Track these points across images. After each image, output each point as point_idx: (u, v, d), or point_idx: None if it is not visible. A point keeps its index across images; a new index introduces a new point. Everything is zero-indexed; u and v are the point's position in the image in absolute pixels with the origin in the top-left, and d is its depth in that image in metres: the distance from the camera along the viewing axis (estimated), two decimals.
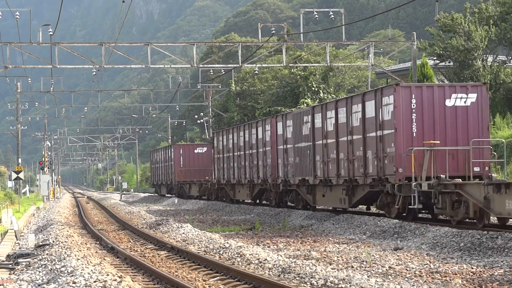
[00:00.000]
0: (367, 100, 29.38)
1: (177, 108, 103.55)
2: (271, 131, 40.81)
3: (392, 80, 57.51)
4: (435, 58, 51.17)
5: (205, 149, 67.16)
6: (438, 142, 27.36)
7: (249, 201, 48.12)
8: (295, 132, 36.87)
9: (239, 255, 20.07)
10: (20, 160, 69.42)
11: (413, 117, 27.40)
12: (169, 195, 74.35)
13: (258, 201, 47.02)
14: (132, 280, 16.01)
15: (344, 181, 31.38)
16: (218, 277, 17.24)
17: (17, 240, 28.07)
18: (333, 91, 71.02)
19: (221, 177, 51.23)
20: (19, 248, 24.75)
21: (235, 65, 53.62)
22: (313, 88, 68.67)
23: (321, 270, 16.29)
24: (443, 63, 50.92)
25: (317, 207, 36.89)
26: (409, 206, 26.93)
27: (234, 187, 49.34)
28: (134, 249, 24.27)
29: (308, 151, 35.13)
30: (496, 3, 51.65)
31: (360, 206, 34.66)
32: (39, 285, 16.06)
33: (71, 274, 16.08)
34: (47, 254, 20.92)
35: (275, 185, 40.38)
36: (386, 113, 27.83)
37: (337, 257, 20.79)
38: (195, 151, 67.93)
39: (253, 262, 18.78)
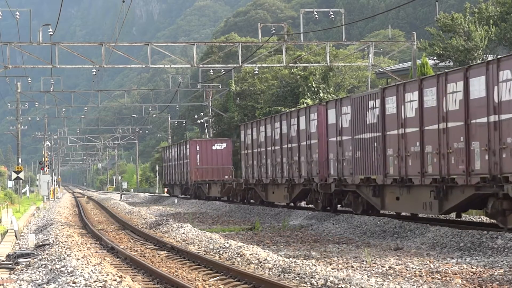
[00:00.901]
0: (473, 76, 23.06)
1: (177, 108, 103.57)
2: (318, 121, 34.80)
3: (392, 80, 57.49)
4: (435, 58, 51.17)
5: (224, 145, 61.13)
6: None
7: (286, 204, 41.67)
8: (354, 120, 30.67)
9: (239, 255, 20.06)
10: (20, 160, 69.41)
11: None
12: (183, 196, 68.41)
13: (294, 204, 41.24)
14: (132, 280, 16.01)
15: (432, 180, 25.23)
16: (218, 277, 17.24)
17: (17, 240, 28.07)
18: (333, 91, 71.00)
19: (250, 176, 45.31)
20: (19, 248, 24.75)
21: (235, 65, 53.62)
22: (313, 88, 68.64)
23: (321, 270, 16.29)
24: (443, 63, 50.90)
25: (386, 212, 31.40)
26: None
27: (267, 187, 43.23)
28: (134, 249, 24.27)
29: (375, 143, 29.23)
30: (496, 3, 51.63)
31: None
32: (39, 285, 16.06)
33: (71, 274, 16.08)
34: (47, 254, 20.91)
35: (324, 186, 34.09)
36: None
37: (337, 257, 20.79)
38: (213, 148, 61.09)
39: (253, 262, 18.78)
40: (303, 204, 41.73)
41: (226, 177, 57.15)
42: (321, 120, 34.39)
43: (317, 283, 15.21)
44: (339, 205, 34.36)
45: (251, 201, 47.53)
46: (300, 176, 37.19)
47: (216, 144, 61.53)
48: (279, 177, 40.23)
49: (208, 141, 63.70)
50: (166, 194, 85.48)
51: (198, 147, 61.23)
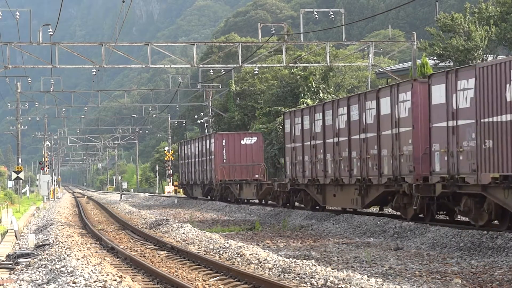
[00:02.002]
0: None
1: (177, 108, 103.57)
2: (412, 102, 26.88)
3: (392, 80, 57.48)
4: (435, 58, 51.19)
5: (254, 139, 53.08)
6: None
7: (355, 210, 33.48)
8: (481, 98, 22.55)
9: (239, 255, 20.06)
10: (20, 160, 69.42)
11: None
12: (204, 198, 59.28)
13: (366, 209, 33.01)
14: (132, 280, 16.02)
15: None
16: (218, 277, 17.24)
17: (17, 240, 28.07)
18: (333, 91, 71.02)
19: (299, 175, 37.04)
20: (19, 248, 24.75)
21: (235, 65, 53.62)
22: (313, 88, 68.67)
23: (321, 270, 16.29)
24: (443, 63, 50.92)
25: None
26: None
27: (325, 189, 34.58)
28: (134, 249, 24.27)
29: None
30: (496, 3, 51.64)
31: None
32: (39, 285, 16.06)
33: (71, 274, 16.08)
34: (47, 254, 20.91)
35: (423, 187, 26.03)
36: None
37: (337, 257, 20.79)
38: (242, 142, 52.85)
39: (253, 262, 18.78)
40: (384, 210, 33.97)
41: (257, 176, 50.87)
42: (418, 101, 26.65)
43: (317, 283, 15.21)
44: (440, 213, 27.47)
45: (297, 204, 39.54)
46: (380, 174, 28.97)
47: (245, 138, 53.43)
48: (345, 176, 31.95)
49: (236, 134, 55.27)
50: (165, 194, 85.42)
51: (224, 141, 53.14)
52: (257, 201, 48.97)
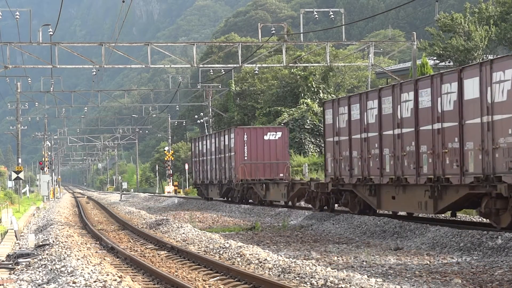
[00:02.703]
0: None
1: (177, 108, 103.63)
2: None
3: (392, 80, 57.50)
4: (435, 58, 51.22)
5: (279, 134, 48.11)
6: None
7: (431, 214, 27.86)
8: None
9: (239, 255, 20.07)
10: (20, 160, 69.43)
11: None
12: (222, 199, 53.90)
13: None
14: (132, 280, 16.02)
15: None
16: (218, 277, 17.24)
17: (17, 240, 28.07)
18: (333, 91, 71.04)
19: (343, 173, 31.97)
20: (19, 248, 24.75)
21: (235, 65, 53.64)
22: (313, 88, 68.70)
23: (321, 270, 16.29)
24: (443, 63, 50.95)
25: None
26: None
27: (380, 190, 29.29)
28: (134, 249, 24.27)
29: None
30: (496, 3, 51.66)
31: None
32: (39, 285, 16.07)
33: (71, 274, 16.08)
34: (47, 254, 20.92)
35: None
36: None
37: (337, 257, 20.79)
38: (265, 137, 47.79)
39: (253, 262, 18.78)
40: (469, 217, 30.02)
41: (281, 175, 46.95)
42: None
43: (317, 283, 15.21)
44: None
45: (337, 208, 34.92)
46: (463, 173, 23.89)
47: (268, 133, 48.23)
48: (410, 175, 26.78)
49: (258, 129, 49.90)
50: (166, 194, 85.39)
51: (246, 136, 47.91)
52: (284, 203, 43.16)
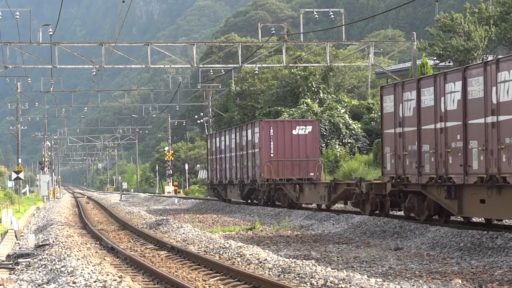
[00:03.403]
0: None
1: (177, 108, 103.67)
2: None
3: (392, 80, 57.51)
4: (435, 58, 51.22)
5: (309, 128, 42.87)
6: None
7: None
8: None
9: (239, 255, 20.07)
10: (20, 160, 69.43)
11: None
12: (243, 201, 48.29)
13: None
14: (132, 280, 16.02)
15: None
16: (218, 277, 17.24)
17: (17, 240, 28.07)
18: (333, 91, 71.05)
19: (408, 171, 26.59)
20: (19, 248, 24.75)
21: (235, 65, 53.65)
22: (313, 88, 68.69)
23: (321, 270, 16.29)
24: (443, 63, 50.95)
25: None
26: None
27: (463, 191, 23.98)
28: (134, 249, 24.27)
29: None
30: (496, 3, 51.66)
31: None
32: (39, 285, 16.07)
33: (71, 274, 16.08)
34: (47, 254, 20.92)
35: None
36: None
37: (337, 257, 20.79)
38: (294, 132, 42.71)
39: (253, 262, 18.79)
40: None
41: (312, 174, 42.20)
42: None
43: (317, 283, 15.21)
44: None
45: (394, 213, 30.52)
46: None
47: (298, 127, 43.08)
48: (508, 173, 21.35)
49: (286, 122, 44.93)
50: (166, 194, 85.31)
51: (272, 131, 42.72)
52: (326, 207, 37.01)
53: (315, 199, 37.51)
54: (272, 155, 42.43)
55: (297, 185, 39.33)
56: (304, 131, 42.82)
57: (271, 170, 42.21)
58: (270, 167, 42.28)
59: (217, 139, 52.25)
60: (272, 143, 42.56)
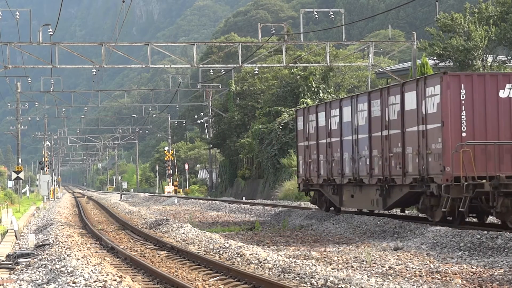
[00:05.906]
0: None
1: (177, 108, 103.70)
2: None
3: (392, 80, 57.51)
4: (435, 58, 51.16)
5: None
6: None
7: None
8: None
9: (239, 255, 20.06)
10: (20, 160, 69.42)
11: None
12: (385, 212, 31.66)
13: None
14: (132, 280, 16.02)
15: None
16: (218, 277, 17.24)
17: (17, 240, 28.07)
18: (333, 91, 71.01)
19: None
20: (19, 248, 24.75)
21: (235, 65, 53.61)
22: (313, 88, 68.66)
23: (321, 270, 16.29)
24: (443, 63, 50.90)
25: None
26: None
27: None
28: (134, 249, 24.27)
29: None
30: (496, 3, 51.63)
31: None
32: (39, 285, 16.06)
33: (71, 274, 16.08)
34: (47, 254, 20.92)
35: None
36: None
37: (337, 257, 20.78)
38: (501, 95, 24.99)
39: (253, 262, 18.78)
40: None
41: None
42: None
43: (317, 283, 15.21)
44: None
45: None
46: None
47: (507, 87, 25.05)
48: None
49: (488, 76, 25.32)
50: (166, 194, 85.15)
51: (464, 91, 24.81)
52: None
53: None
54: (464, 134, 24.68)
55: None
56: None
57: (464, 160, 24.07)
58: (464, 157, 24.10)
59: (320, 114, 34.07)
60: (464, 112, 24.77)
